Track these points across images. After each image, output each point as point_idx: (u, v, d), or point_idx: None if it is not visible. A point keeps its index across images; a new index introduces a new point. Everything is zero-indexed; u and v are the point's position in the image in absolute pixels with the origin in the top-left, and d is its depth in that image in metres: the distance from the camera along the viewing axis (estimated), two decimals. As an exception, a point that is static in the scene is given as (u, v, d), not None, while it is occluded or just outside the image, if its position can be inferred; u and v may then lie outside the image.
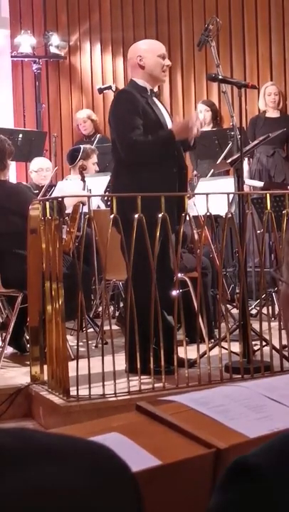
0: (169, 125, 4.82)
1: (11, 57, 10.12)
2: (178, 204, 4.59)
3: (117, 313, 6.69)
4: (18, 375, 4.97)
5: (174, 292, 4.62)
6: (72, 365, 4.30)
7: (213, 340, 5.09)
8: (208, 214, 4.59)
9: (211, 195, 4.64)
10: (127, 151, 4.69)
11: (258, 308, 5.64)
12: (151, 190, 4.46)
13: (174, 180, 4.73)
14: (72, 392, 4.26)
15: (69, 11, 10.28)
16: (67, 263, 5.09)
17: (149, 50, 4.89)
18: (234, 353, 4.69)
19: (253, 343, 4.83)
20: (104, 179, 6.67)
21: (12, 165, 8.11)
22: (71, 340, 5.26)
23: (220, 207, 5.10)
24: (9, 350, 5.61)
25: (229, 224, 4.79)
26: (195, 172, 7.88)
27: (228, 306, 5.78)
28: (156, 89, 4.99)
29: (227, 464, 0.94)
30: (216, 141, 7.93)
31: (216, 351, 4.67)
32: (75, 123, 9.80)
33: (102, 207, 6.67)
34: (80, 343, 4.90)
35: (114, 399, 4.29)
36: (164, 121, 4.80)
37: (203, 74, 9.19)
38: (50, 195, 6.17)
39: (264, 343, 4.83)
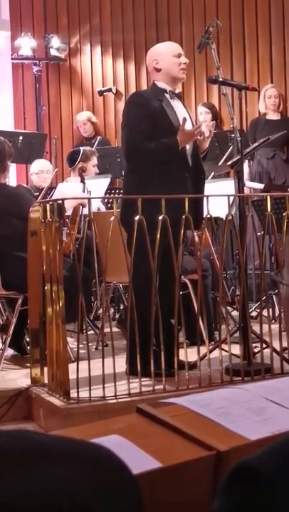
0: (187, 127, 4.79)
1: (12, 59, 10.13)
2: (194, 207, 4.59)
3: (117, 316, 6.69)
4: (19, 377, 4.97)
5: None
6: (72, 367, 4.30)
7: (213, 343, 5.09)
8: (208, 216, 4.59)
9: (211, 197, 4.64)
10: (129, 154, 4.73)
11: (258, 310, 5.64)
12: (157, 192, 4.46)
13: (183, 184, 4.72)
14: (73, 394, 4.25)
15: (69, 13, 10.29)
16: (68, 265, 5.09)
17: (163, 52, 4.93)
18: (234, 355, 4.69)
19: (254, 345, 4.83)
20: (105, 181, 6.67)
21: (12, 167, 8.11)
22: (71, 342, 5.26)
23: (220, 209, 5.09)
24: (9, 352, 5.61)
25: (229, 226, 4.79)
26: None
27: (229, 308, 5.78)
28: (177, 91, 4.98)
29: (228, 467, 0.94)
30: (216, 143, 7.92)
31: (216, 353, 4.67)
32: (75, 125, 9.81)
33: (103, 209, 6.67)
34: (81, 345, 4.90)
35: (114, 401, 4.29)
36: (178, 124, 4.76)
37: (204, 76, 9.19)
38: (51, 197, 6.17)
39: (264, 345, 4.83)
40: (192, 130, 4.71)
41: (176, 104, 4.89)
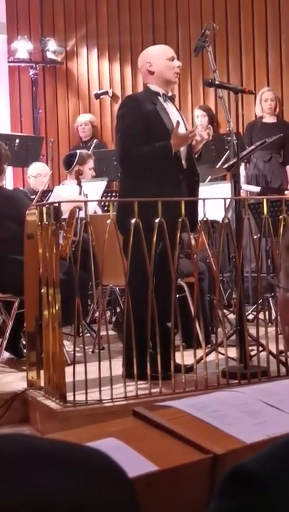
0: (180, 130, 4.79)
1: (8, 62, 10.13)
2: (189, 209, 4.59)
3: (113, 319, 6.69)
4: (15, 381, 4.96)
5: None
6: (68, 370, 4.29)
7: (210, 346, 5.09)
8: (204, 219, 4.59)
9: (207, 200, 4.64)
10: (121, 158, 4.73)
11: (254, 313, 5.64)
12: (152, 196, 4.46)
13: (178, 187, 4.72)
14: (69, 397, 4.25)
15: (66, 16, 10.30)
16: (64, 268, 5.09)
17: (157, 54, 4.93)
18: (231, 358, 4.69)
19: (250, 348, 4.83)
20: (101, 184, 6.67)
21: (8, 170, 8.11)
22: (68, 345, 5.26)
23: (217, 212, 5.10)
24: (6, 355, 5.61)
25: (226, 229, 4.79)
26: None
27: (225, 311, 5.78)
28: (170, 94, 4.99)
29: (224, 470, 0.94)
30: (212, 146, 7.93)
31: (212, 356, 4.67)
32: (75, 124, 9.77)
33: (99, 212, 6.67)
34: (77, 349, 4.89)
35: (110, 404, 4.28)
36: (172, 127, 4.77)
37: (200, 79, 9.20)
38: (47, 200, 6.17)
39: (261, 348, 4.83)
40: (186, 134, 4.70)
41: (170, 107, 4.89)
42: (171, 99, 4.97)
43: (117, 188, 7.26)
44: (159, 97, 4.84)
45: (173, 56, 4.95)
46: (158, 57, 4.91)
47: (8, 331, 5.37)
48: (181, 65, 5.06)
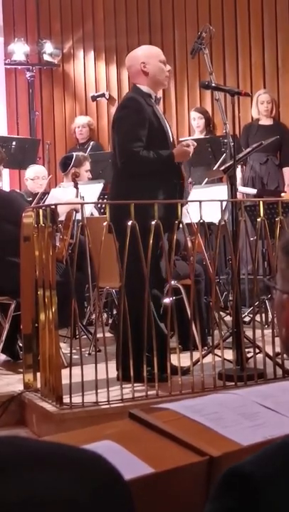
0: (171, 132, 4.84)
1: (5, 64, 10.13)
2: (175, 213, 4.60)
3: (110, 321, 6.69)
4: (12, 383, 4.96)
5: (167, 299, 4.63)
6: (65, 372, 4.29)
7: (206, 348, 5.09)
8: (201, 221, 4.59)
9: (204, 203, 4.64)
10: (125, 161, 4.69)
11: (251, 315, 5.63)
12: (149, 199, 4.47)
13: (173, 190, 4.73)
14: (66, 399, 4.25)
15: (62, 18, 10.30)
16: (61, 270, 5.09)
17: (151, 55, 4.92)
18: (227, 360, 4.69)
19: (247, 350, 4.83)
20: (98, 186, 6.67)
21: (5, 172, 8.11)
22: (64, 347, 5.25)
23: (213, 214, 5.09)
24: (2, 357, 5.60)
25: (222, 231, 4.79)
26: (190, 179, 7.86)
27: (222, 313, 5.78)
28: (159, 96, 5.01)
29: (220, 472, 0.94)
30: (209, 148, 7.93)
31: (209, 359, 4.66)
32: (73, 126, 9.75)
33: (96, 214, 6.67)
34: (73, 351, 4.90)
35: (107, 406, 4.28)
36: (167, 130, 4.81)
37: (197, 81, 9.19)
38: (44, 202, 6.16)
39: (257, 351, 4.83)
40: (188, 150, 4.75)
41: (160, 110, 4.91)
42: (159, 101, 5.00)
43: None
44: (151, 99, 4.84)
45: (164, 59, 4.96)
46: (153, 58, 4.90)
47: (5, 333, 5.37)
48: (172, 70, 5.10)
